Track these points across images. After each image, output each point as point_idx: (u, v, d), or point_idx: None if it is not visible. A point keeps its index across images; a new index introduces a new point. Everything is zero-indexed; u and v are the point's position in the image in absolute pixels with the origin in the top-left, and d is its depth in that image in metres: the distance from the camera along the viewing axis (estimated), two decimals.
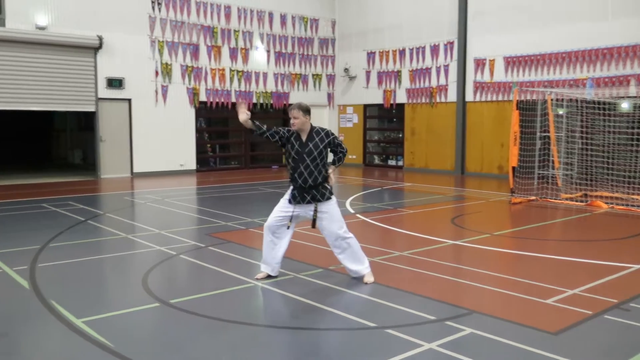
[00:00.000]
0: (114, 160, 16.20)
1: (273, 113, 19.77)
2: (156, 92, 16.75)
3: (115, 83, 15.91)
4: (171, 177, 16.50)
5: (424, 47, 18.21)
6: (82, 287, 5.69)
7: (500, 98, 16.39)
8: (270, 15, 19.02)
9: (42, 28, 14.69)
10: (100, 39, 15.41)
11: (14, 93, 14.42)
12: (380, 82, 19.52)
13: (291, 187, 5.70)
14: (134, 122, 16.40)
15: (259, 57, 18.91)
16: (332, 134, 5.76)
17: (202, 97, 17.69)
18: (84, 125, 19.91)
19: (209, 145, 19.18)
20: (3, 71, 14.20)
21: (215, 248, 7.28)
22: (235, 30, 18.25)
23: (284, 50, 19.42)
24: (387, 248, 7.36)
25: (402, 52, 18.80)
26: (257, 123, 5.67)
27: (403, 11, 18.65)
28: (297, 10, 19.70)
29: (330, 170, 5.71)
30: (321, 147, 5.61)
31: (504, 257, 7.24)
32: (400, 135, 19.48)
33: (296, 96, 19.81)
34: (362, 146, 20.54)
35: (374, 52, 19.64)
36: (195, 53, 17.43)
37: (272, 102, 19.25)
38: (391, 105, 19.33)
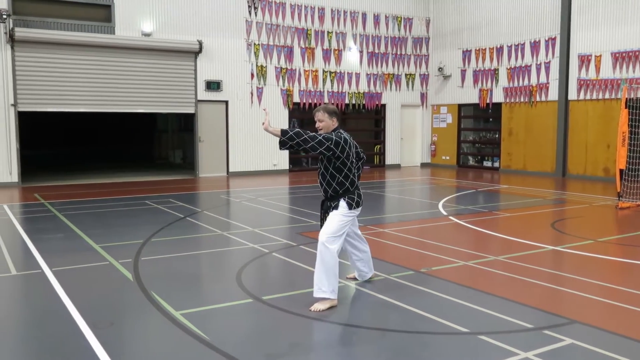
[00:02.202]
0: (211, 160, 16.85)
1: (365, 114, 19.78)
2: (251, 93, 17.24)
3: (213, 86, 16.55)
4: (265, 176, 16.91)
5: (523, 44, 17.51)
6: (181, 280, 5.94)
7: (607, 96, 15.43)
8: (364, 15, 19.02)
9: (147, 35, 15.55)
10: (200, 43, 16.08)
11: (122, 96, 15.34)
12: (476, 81, 18.98)
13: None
14: (230, 123, 16.99)
15: (352, 57, 18.96)
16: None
17: (296, 99, 18.00)
18: (183, 126, 20.84)
19: None
20: (112, 76, 15.14)
21: (306, 247, 7.36)
22: (328, 32, 18.41)
23: (376, 51, 19.35)
24: (481, 252, 7.12)
25: (499, 50, 18.18)
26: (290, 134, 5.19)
27: (501, 7, 18.03)
28: (391, 9, 19.57)
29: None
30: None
31: (610, 264, 6.79)
32: (497, 136, 18.84)
33: (389, 96, 19.72)
34: (457, 147, 20.06)
35: (470, 50, 19.12)
36: (289, 55, 17.77)
37: (364, 102, 19.25)
38: (487, 104, 18.75)
